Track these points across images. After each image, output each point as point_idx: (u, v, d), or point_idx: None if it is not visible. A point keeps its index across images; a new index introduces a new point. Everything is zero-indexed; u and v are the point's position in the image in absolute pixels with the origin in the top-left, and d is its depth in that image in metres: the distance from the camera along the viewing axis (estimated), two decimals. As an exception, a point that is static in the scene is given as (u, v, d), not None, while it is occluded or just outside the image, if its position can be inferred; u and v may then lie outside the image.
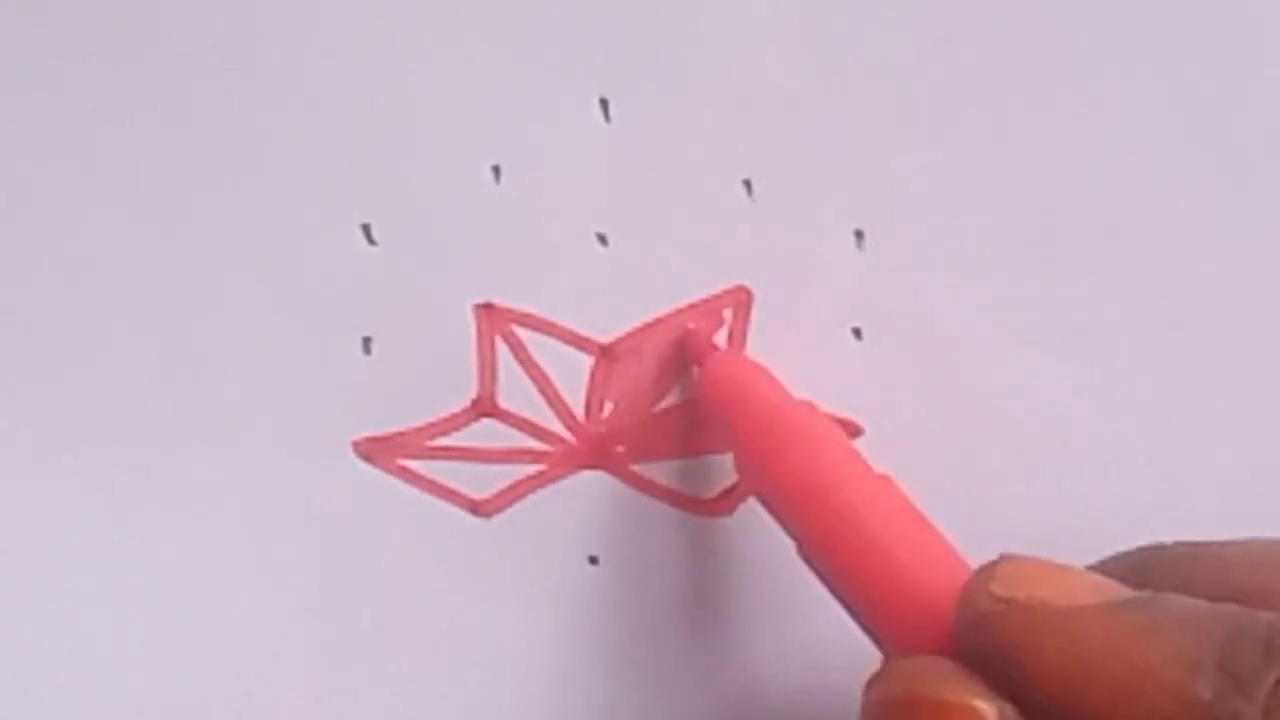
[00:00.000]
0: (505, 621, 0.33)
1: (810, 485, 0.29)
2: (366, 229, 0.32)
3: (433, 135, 0.32)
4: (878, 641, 0.29)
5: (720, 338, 0.33)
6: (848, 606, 0.29)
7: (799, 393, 0.32)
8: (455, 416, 0.33)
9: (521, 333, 0.33)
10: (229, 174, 0.32)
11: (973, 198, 0.33)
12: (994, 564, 0.27)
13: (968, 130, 0.33)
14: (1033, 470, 0.33)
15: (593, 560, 0.33)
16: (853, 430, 0.33)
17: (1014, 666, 0.26)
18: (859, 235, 0.33)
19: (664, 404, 0.33)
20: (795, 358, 0.33)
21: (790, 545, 0.30)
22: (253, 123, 0.32)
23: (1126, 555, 0.30)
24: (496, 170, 0.32)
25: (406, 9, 0.32)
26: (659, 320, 0.33)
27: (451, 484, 0.33)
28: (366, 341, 0.32)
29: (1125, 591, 0.26)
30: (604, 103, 0.32)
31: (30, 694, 0.32)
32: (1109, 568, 0.29)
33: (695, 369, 0.32)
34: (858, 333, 0.33)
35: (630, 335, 0.33)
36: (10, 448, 0.32)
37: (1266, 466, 0.33)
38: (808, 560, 0.29)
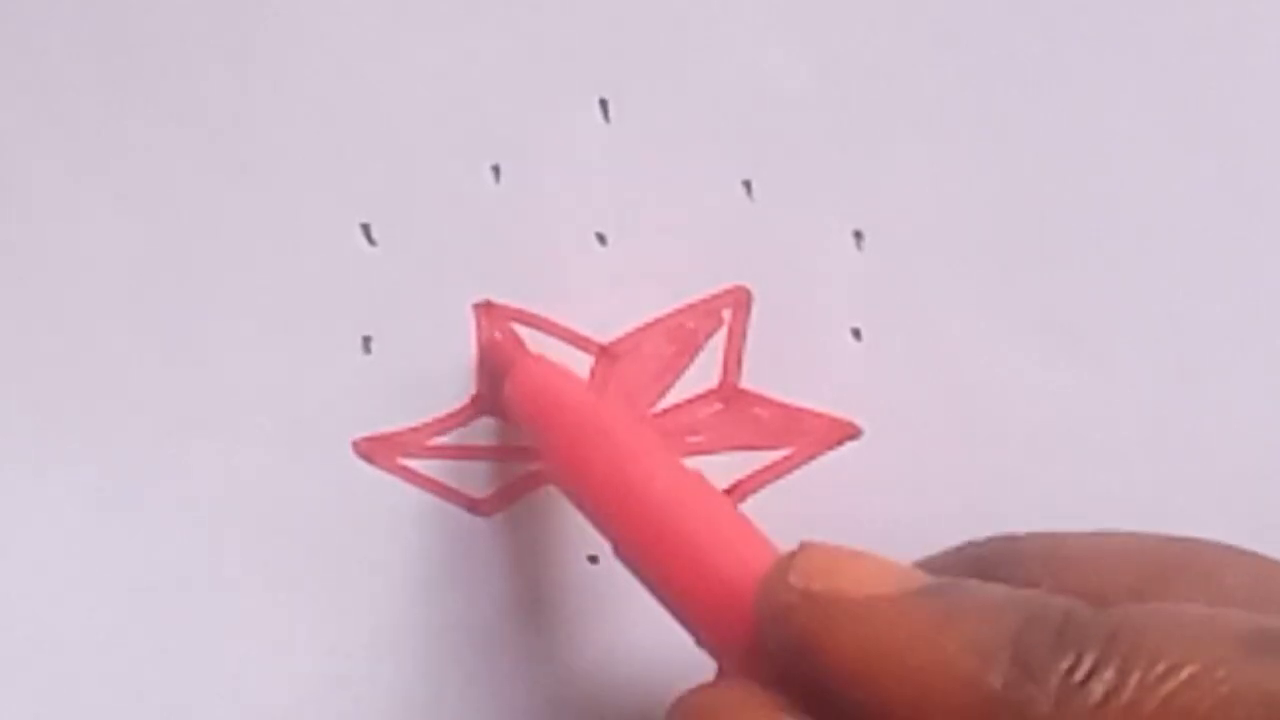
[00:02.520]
0: (505, 621, 0.33)
1: (619, 485, 0.29)
2: (366, 229, 0.32)
3: (433, 135, 0.32)
4: (697, 640, 0.28)
5: (719, 338, 0.33)
6: (666, 605, 0.28)
7: (799, 393, 0.32)
8: (455, 415, 0.33)
9: (521, 332, 0.33)
10: (228, 174, 0.32)
11: (973, 198, 0.33)
12: (792, 553, 0.27)
13: (968, 130, 0.33)
14: (1033, 470, 0.33)
15: (593, 560, 0.33)
16: (852, 430, 0.33)
17: (813, 660, 0.25)
18: (859, 235, 0.33)
19: (663, 404, 0.33)
20: (795, 358, 0.33)
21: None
22: (252, 122, 0.32)
23: (973, 546, 0.29)
24: (496, 170, 0.32)
25: (406, 9, 0.32)
26: (659, 320, 0.33)
27: (451, 483, 0.33)
28: (366, 341, 0.32)
29: (926, 579, 0.26)
30: (604, 103, 0.32)
31: (29, 692, 0.32)
32: (951, 560, 0.29)
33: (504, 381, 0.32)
34: (857, 333, 0.33)
35: (630, 335, 0.33)
36: (9, 447, 0.32)
37: (1266, 466, 0.33)
38: (624, 561, 0.29)
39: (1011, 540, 0.29)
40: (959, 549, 0.30)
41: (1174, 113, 0.33)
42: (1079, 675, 0.24)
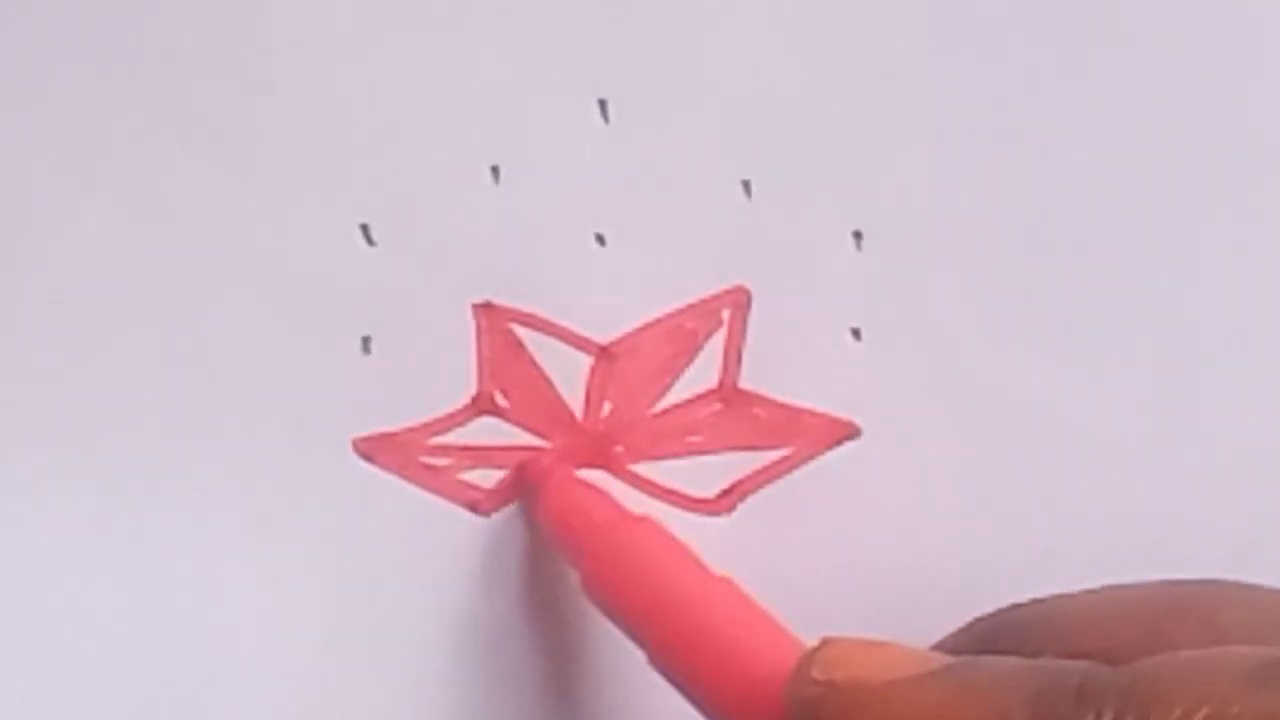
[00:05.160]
0: (505, 620, 0.33)
1: (654, 596, 0.30)
2: (365, 229, 0.32)
3: (432, 135, 0.32)
4: None
5: (719, 338, 0.33)
6: (702, 710, 0.29)
7: (798, 393, 0.32)
8: (454, 415, 0.33)
9: (521, 332, 0.33)
10: (228, 174, 0.32)
11: (973, 198, 0.33)
12: (815, 649, 0.28)
13: (967, 130, 0.33)
14: (1032, 470, 0.33)
15: (592, 560, 0.33)
16: (852, 430, 0.33)
17: None
18: (858, 235, 0.33)
19: (663, 404, 0.33)
20: (795, 358, 0.33)
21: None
22: (252, 122, 0.32)
23: (979, 622, 0.31)
24: (496, 170, 0.32)
25: (406, 9, 0.32)
26: (658, 320, 0.33)
27: (451, 483, 0.33)
28: (366, 341, 0.32)
29: (944, 660, 0.27)
30: (603, 103, 0.32)
31: (31, 692, 0.32)
32: (960, 638, 0.30)
33: (534, 499, 0.33)
34: (857, 333, 0.33)
35: (629, 335, 0.33)
36: (10, 447, 0.32)
37: (1265, 466, 0.33)
38: (659, 669, 0.30)
39: (1015, 609, 0.30)
40: (967, 627, 0.31)
41: (1174, 112, 0.33)
42: None
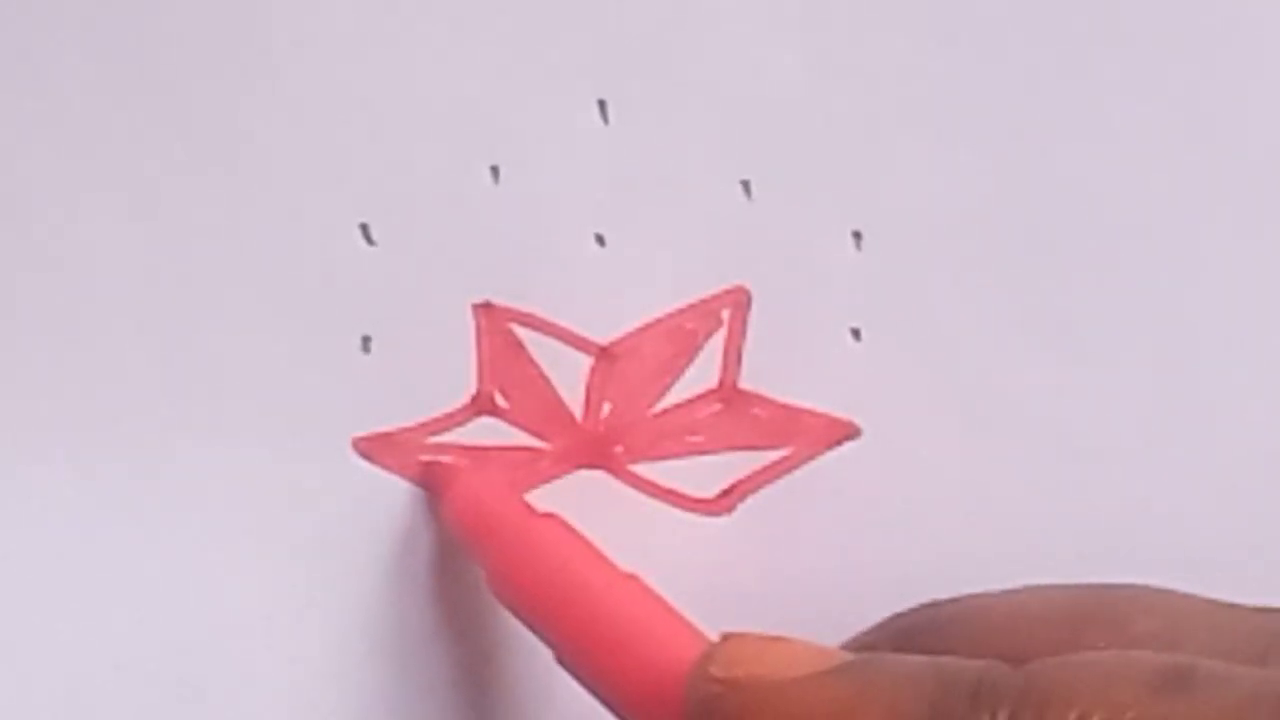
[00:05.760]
0: (505, 621, 0.33)
1: (558, 592, 0.30)
2: (365, 229, 0.32)
3: (432, 135, 0.32)
4: None
5: (719, 338, 0.33)
6: (607, 705, 0.29)
7: (798, 393, 0.32)
8: (454, 415, 0.33)
9: (521, 332, 0.33)
10: (227, 173, 0.32)
11: (973, 198, 0.33)
12: (715, 645, 0.28)
13: (967, 130, 0.33)
14: (1033, 470, 0.33)
15: (592, 560, 0.33)
16: (852, 430, 0.33)
17: None
18: (858, 235, 0.33)
19: (663, 404, 0.33)
20: (794, 358, 0.33)
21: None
22: (251, 122, 0.32)
23: (898, 618, 0.30)
24: (496, 170, 0.32)
25: (406, 9, 0.32)
26: (658, 320, 0.33)
27: (451, 483, 0.33)
28: (366, 341, 0.32)
29: (844, 657, 0.27)
30: (602, 103, 0.32)
31: (29, 691, 0.32)
32: (877, 634, 0.30)
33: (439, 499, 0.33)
34: (857, 333, 0.33)
35: (629, 335, 0.33)
36: (9, 447, 0.32)
37: (1265, 466, 0.33)
38: (564, 665, 0.30)
39: (933, 607, 0.30)
40: (884, 623, 0.31)
41: (1174, 112, 0.33)
42: None
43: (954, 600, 0.30)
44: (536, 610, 0.30)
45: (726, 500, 0.33)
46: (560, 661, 0.30)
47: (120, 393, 0.32)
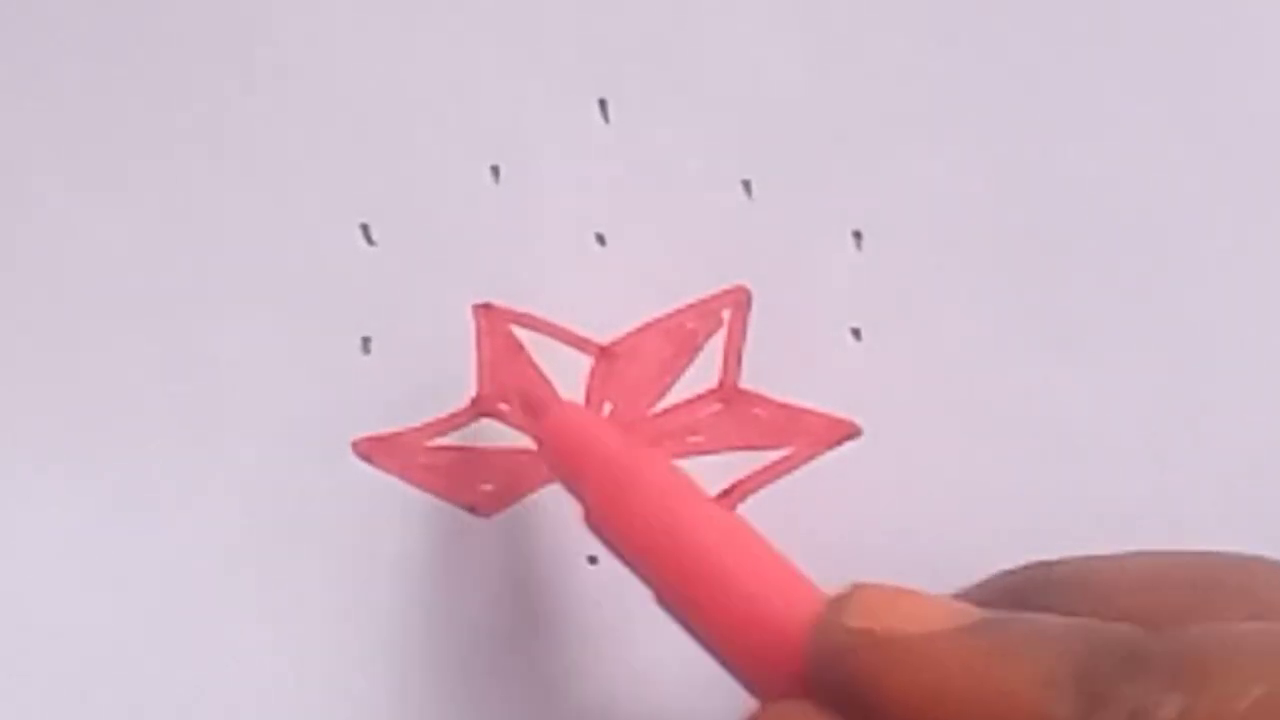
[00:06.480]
0: (505, 621, 0.33)
1: (661, 530, 0.29)
2: (366, 229, 0.32)
3: (432, 135, 0.32)
4: (741, 681, 0.28)
5: (719, 338, 0.33)
6: (709, 649, 0.28)
7: (798, 393, 0.32)
8: (454, 416, 0.33)
9: (521, 333, 0.33)
10: (228, 174, 0.32)
11: (973, 198, 0.33)
12: (846, 594, 0.27)
13: (968, 130, 0.33)
14: (1033, 470, 0.33)
15: (592, 560, 0.33)
16: (852, 430, 0.33)
17: (870, 699, 0.25)
18: (858, 235, 0.33)
19: (663, 404, 0.33)
20: (795, 358, 0.33)
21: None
22: (252, 122, 0.32)
23: (1006, 576, 0.29)
24: (496, 170, 0.32)
25: (406, 9, 0.32)
26: (658, 320, 0.33)
27: (451, 483, 0.33)
28: (366, 341, 0.32)
29: (980, 614, 0.26)
30: (603, 103, 0.32)
31: (31, 693, 0.32)
32: (986, 591, 0.29)
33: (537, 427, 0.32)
34: (857, 333, 0.33)
35: (629, 335, 0.33)
36: (10, 448, 0.32)
37: (1265, 466, 0.33)
38: (665, 606, 0.29)
39: (1045, 567, 0.29)
40: (994, 579, 0.30)
41: (1174, 112, 0.33)
42: (1149, 702, 0.24)
43: (1064, 561, 0.29)
44: (637, 546, 0.29)
45: (726, 500, 0.33)
46: (660, 601, 0.29)
47: (120, 393, 0.32)
